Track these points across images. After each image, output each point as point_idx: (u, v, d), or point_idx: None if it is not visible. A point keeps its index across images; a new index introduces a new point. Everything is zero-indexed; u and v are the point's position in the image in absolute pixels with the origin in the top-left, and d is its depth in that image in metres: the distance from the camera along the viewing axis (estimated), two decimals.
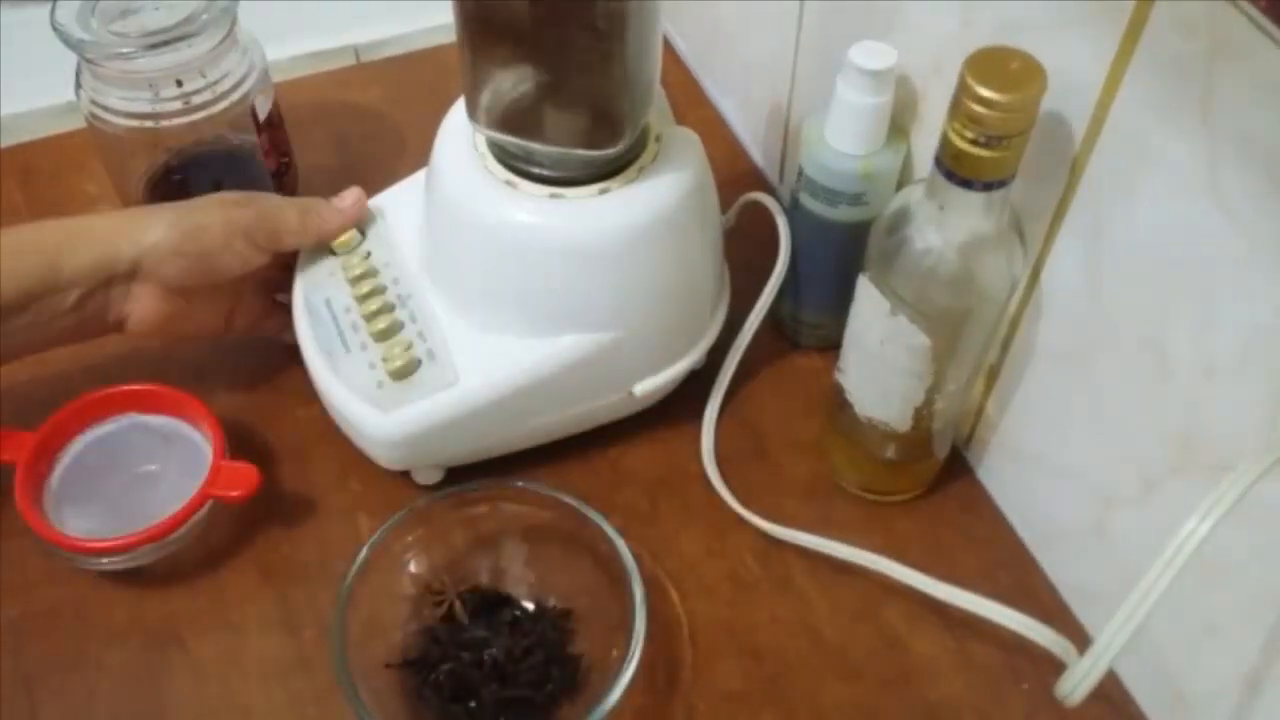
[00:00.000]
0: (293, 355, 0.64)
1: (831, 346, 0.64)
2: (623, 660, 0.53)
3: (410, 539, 0.58)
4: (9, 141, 0.81)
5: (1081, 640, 0.52)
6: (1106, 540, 0.56)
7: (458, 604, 0.58)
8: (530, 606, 0.59)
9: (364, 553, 0.56)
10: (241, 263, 0.61)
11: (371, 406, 0.59)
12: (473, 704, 0.55)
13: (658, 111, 0.63)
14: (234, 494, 0.60)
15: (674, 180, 0.59)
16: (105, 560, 0.59)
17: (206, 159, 0.73)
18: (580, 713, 0.54)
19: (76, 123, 0.70)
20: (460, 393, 0.59)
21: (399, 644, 0.57)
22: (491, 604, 0.58)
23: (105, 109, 0.67)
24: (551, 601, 0.59)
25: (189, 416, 0.64)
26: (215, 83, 0.68)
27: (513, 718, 0.55)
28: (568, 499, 0.57)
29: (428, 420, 0.59)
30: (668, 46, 0.91)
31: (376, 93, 0.87)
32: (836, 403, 0.62)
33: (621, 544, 0.56)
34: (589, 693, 0.55)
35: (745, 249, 0.70)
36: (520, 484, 0.59)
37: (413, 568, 0.58)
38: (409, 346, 0.60)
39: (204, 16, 0.65)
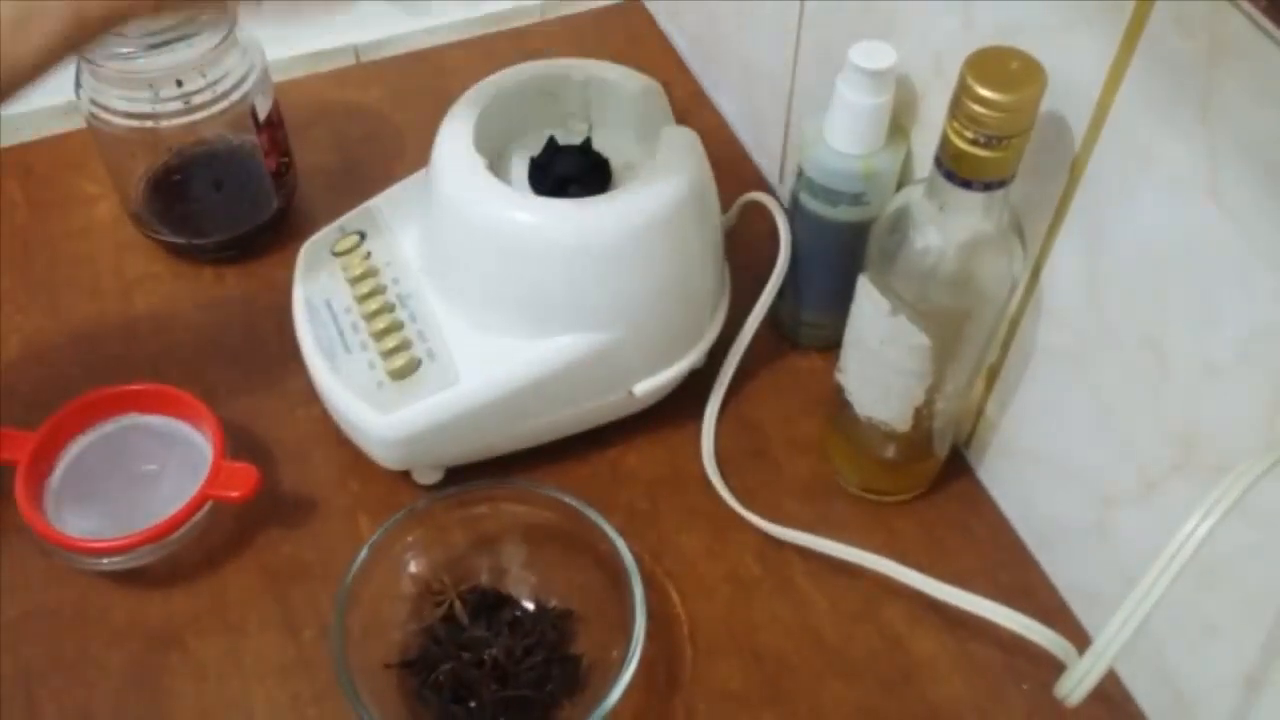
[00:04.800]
0: (293, 355, 0.64)
1: (831, 346, 0.64)
2: (623, 660, 0.53)
3: (410, 539, 0.58)
4: (9, 141, 0.81)
5: (1081, 640, 0.52)
6: (1106, 540, 0.56)
7: (458, 604, 0.58)
8: (530, 606, 0.59)
9: (364, 553, 0.56)
10: None
11: (371, 406, 0.59)
12: (473, 704, 0.55)
13: (658, 111, 0.63)
14: (234, 494, 0.60)
15: (674, 180, 0.59)
16: (105, 560, 0.59)
17: (206, 159, 0.73)
18: (581, 713, 0.54)
19: (76, 123, 0.70)
20: (460, 393, 0.59)
21: (399, 644, 0.57)
22: (491, 604, 0.58)
23: (105, 109, 0.67)
24: (552, 602, 0.59)
25: (189, 416, 0.64)
26: (215, 83, 0.68)
27: (513, 718, 0.55)
28: (568, 499, 0.57)
29: (428, 420, 0.59)
30: (668, 46, 0.91)
31: (376, 93, 0.87)
32: (836, 403, 0.62)
33: (621, 544, 0.56)
34: (589, 693, 0.55)
35: (745, 249, 0.70)
36: (520, 484, 0.59)
37: (413, 568, 0.58)
38: (409, 346, 0.60)
39: (204, 16, 0.65)
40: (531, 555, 0.60)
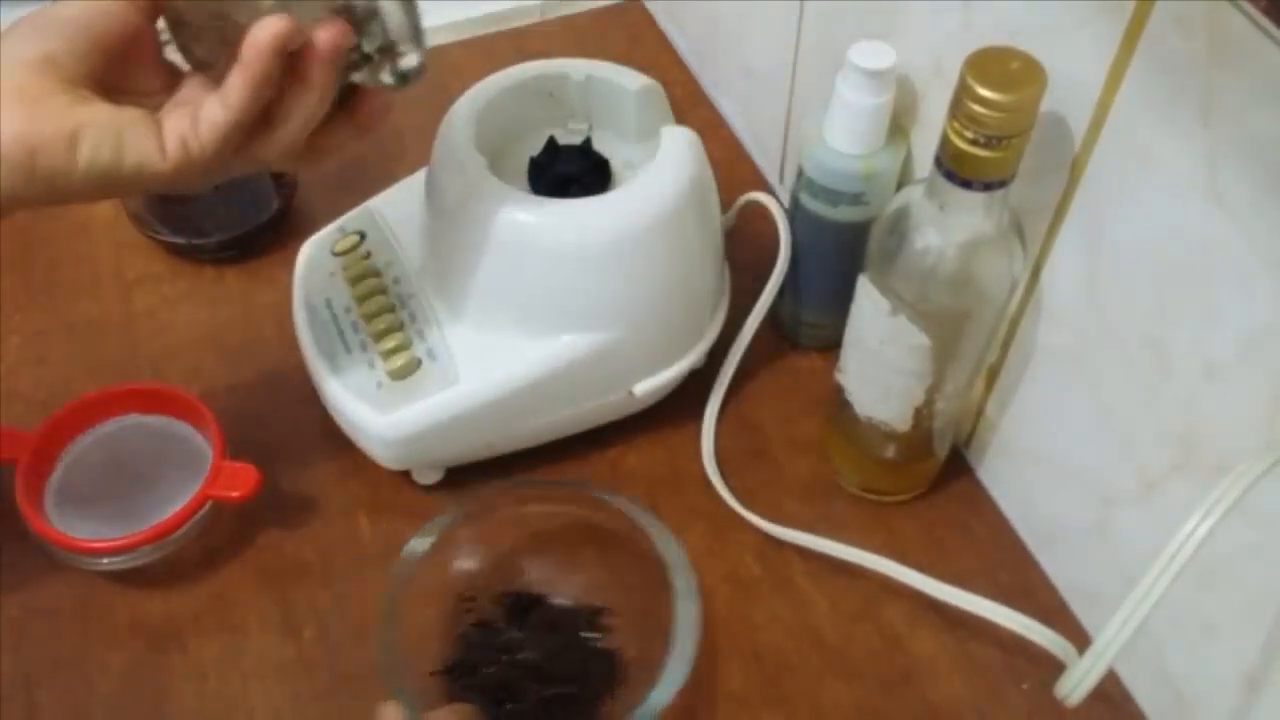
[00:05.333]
0: (292, 355, 0.64)
1: (831, 346, 0.64)
2: (666, 657, 0.53)
3: (444, 545, 0.58)
4: None
5: (1081, 640, 0.52)
6: (1106, 540, 0.56)
7: (491, 608, 0.58)
8: (563, 604, 0.59)
9: (406, 563, 0.56)
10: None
11: (371, 406, 0.59)
12: (513, 706, 0.55)
13: (658, 111, 0.63)
14: (234, 494, 0.60)
15: (674, 180, 0.59)
16: (105, 560, 0.59)
17: None
18: (622, 708, 0.53)
19: None
20: (460, 393, 0.59)
21: (438, 650, 0.57)
22: (525, 605, 0.58)
23: None
24: (585, 599, 0.59)
25: (189, 416, 0.64)
26: None
27: (556, 716, 0.55)
28: (606, 496, 0.58)
29: (428, 420, 0.59)
30: (668, 46, 0.91)
31: None
32: (836, 403, 0.62)
33: (668, 538, 0.56)
34: (629, 687, 0.55)
35: (745, 249, 0.70)
36: (570, 485, 0.60)
37: (449, 573, 0.58)
38: (409, 346, 0.60)
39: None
40: (564, 555, 0.60)
